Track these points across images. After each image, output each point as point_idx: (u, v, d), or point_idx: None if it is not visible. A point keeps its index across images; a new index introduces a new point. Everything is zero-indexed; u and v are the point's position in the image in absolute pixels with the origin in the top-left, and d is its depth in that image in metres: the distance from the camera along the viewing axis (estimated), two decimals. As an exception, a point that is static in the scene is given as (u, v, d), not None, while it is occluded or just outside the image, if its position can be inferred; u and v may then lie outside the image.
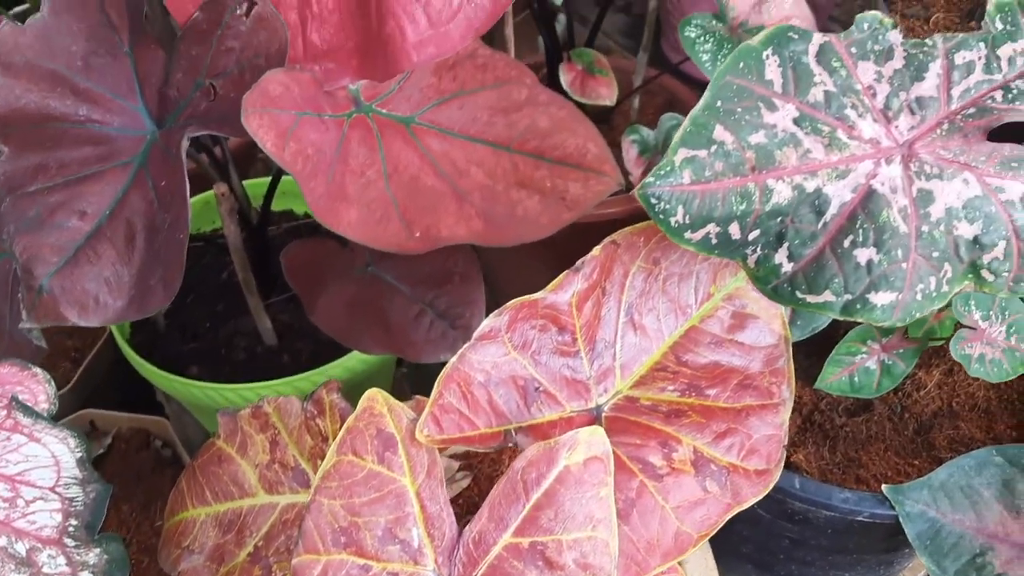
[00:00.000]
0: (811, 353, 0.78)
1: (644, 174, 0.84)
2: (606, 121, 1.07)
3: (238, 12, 0.63)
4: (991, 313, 0.69)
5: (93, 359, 1.02)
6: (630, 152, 0.85)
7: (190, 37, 0.64)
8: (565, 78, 0.92)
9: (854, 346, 0.72)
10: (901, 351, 0.72)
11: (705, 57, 0.83)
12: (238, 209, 0.83)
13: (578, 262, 0.59)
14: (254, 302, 0.84)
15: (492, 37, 0.94)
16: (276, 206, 0.99)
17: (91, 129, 0.66)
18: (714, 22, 0.85)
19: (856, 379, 0.72)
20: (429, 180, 0.69)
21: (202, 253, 0.98)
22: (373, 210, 0.67)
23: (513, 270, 1.06)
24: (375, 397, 0.51)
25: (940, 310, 0.73)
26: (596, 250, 0.59)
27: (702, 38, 0.83)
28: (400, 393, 0.58)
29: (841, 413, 0.77)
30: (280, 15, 0.63)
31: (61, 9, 0.67)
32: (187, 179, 0.60)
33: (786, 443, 0.58)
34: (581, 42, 1.05)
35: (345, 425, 0.50)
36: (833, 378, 0.72)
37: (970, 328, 0.68)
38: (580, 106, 0.95)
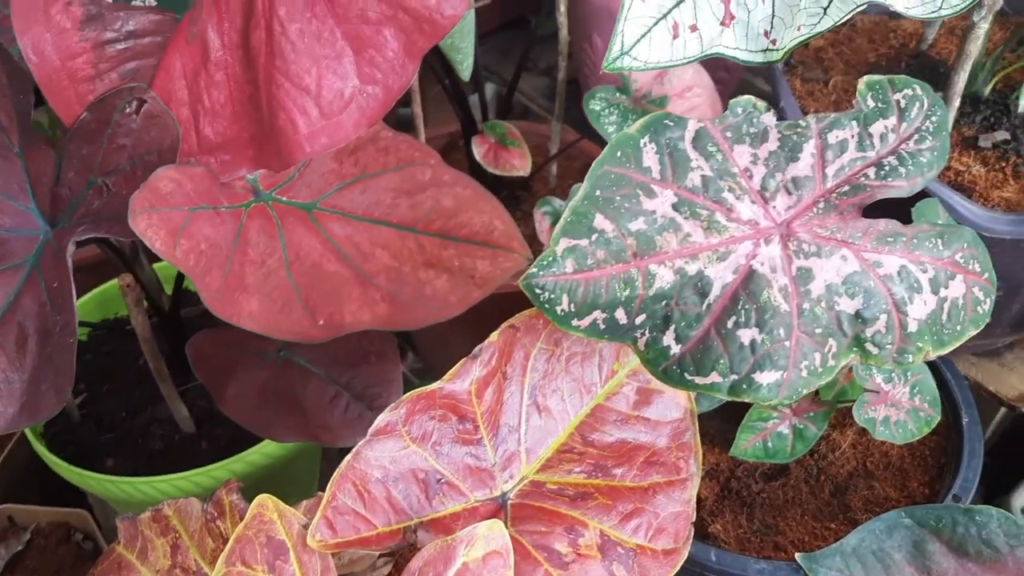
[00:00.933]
0: (729, 417, 0.79)
1: (557, 245, 0.84)
2: (526, 187, 1.08)
3: (128, 111, 0.62)
4: (893, 375, 0.70)
5: (9, 453, 0.99)
6: (543, 223, 0.85)
7: (80, 137, 0.63)
8: (478, 151, 0.93)
9: (765, 412, 0.73)
10: (812, 414, 0.73)
11: (611, 129, 0.85)
12: (147, 296, 0.82)
13: (476, 349, 0.59)
14: (168, 390, 0.83)
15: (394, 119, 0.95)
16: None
17: (-19, 231, 0.64)
18: (618, 94, 0.86)
19: (770, 444, 0.73)
20: (332, 266, 0.69)
21: (118, 338, 0.97)
22: (275, 299, 0.66)
23: (440, 341, 1.06)
24: (265, 503, 0.50)
25: (849, 371, 0.74)
26: (494, 335, 0.59)
27: (607, 111, 0.85)
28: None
29: (758, 478, 0.77)
30: (171, 111, 0.63)
31: (-50, 111, 0.66)
32: (72, 282, 0.59)
33: (694, 519, 0.58)
34: (507, 105, 1.07)
35: (234, 534, 0.49)
36: (747, 444, 0.73)
37: (873, 392, 0.69)
38: (497, 177, 0.97)
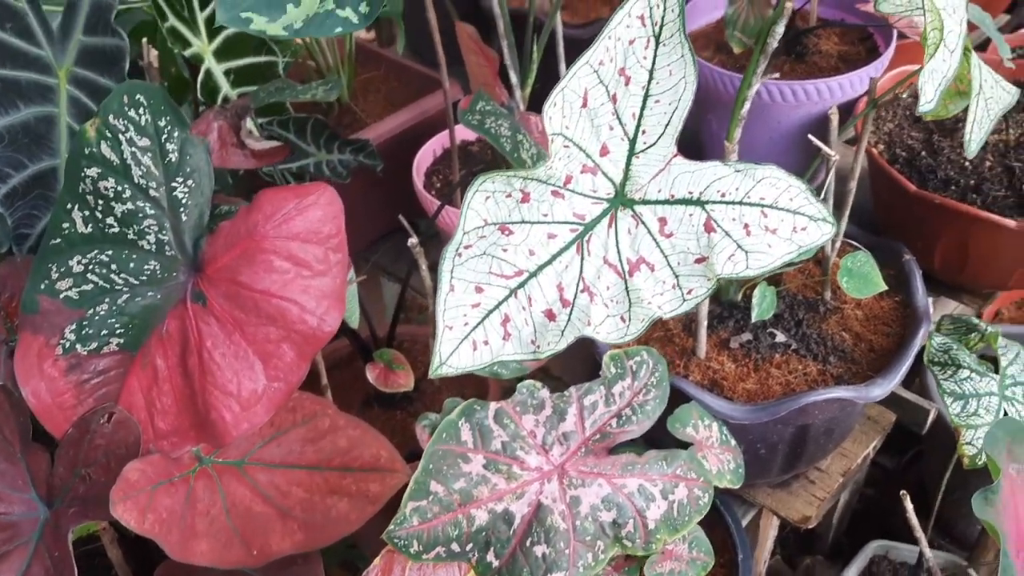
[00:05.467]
0: None
1: (435, 450, 1.10)
2: (417, 388, 1.34)
3: (101, 421, 0.87)
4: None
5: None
6: (423, 435, 1.11)
7: (67, 444, 0.87)
8: (371, 374, 1.19)
9: None
10: (627, 569, 0.99)
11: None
12: (120, 532, 1.05)
13: (365, 571, 0.84)
14: (139, 605, 1.05)
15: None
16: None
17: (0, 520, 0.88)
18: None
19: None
20: (259, 507, 0.93)
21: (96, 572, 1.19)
22: (219, 540, 0.90)
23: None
24: None
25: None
26: (377, 559, 0.84)
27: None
28: None
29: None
30: (133, 417, 0.88)
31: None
32: (71, 551, 0.82)
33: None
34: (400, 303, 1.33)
35: None
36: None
37: (659, 552, 0.95)
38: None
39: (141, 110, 0.86)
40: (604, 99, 0.78)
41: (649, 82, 0.78)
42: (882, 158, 1.25)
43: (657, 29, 0.77)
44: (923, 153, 1.25)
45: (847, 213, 1.13)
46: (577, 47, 1.49)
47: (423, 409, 1.29)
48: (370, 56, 1.70)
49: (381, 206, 1.64)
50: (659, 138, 0.78)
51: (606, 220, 0.81)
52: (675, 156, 0.78)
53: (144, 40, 1.16)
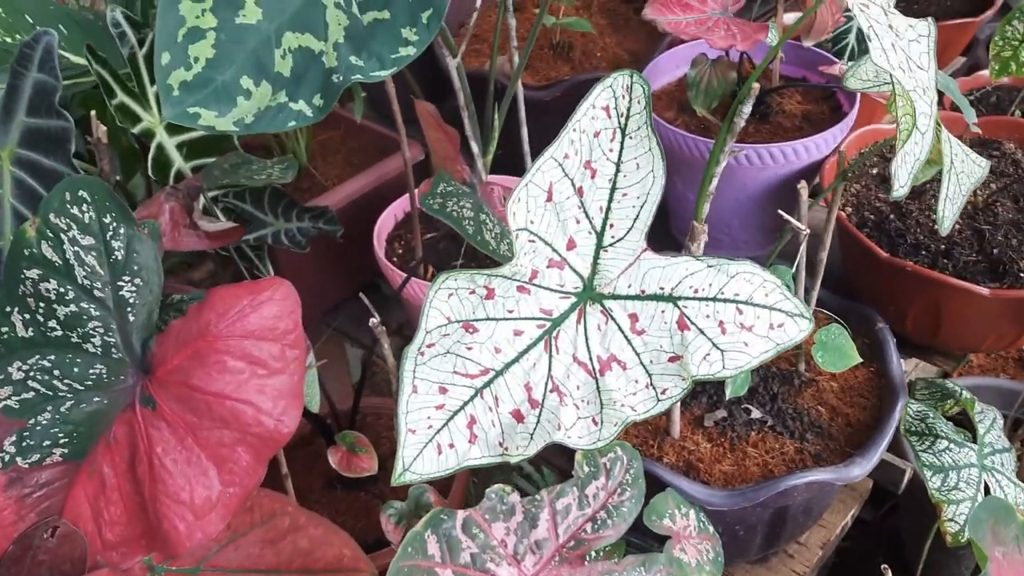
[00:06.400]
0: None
1: (401, 539, 1.06)
2: (383, 467, 1.29)
3: (45, 536, 0.82)
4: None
5: None
6: (388, 524, 1.06)
7: (8, 562, 0.82)
8: (333, 459, 1.14)
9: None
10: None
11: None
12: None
13: None
14: None
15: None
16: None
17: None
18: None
19: None
20: (217, 618, 0.88)
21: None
22: (174, 656, 0.85)
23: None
24: None
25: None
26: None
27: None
28: None
29: None
30: (79, 529, 0.83)
31: None
32: None
33: None
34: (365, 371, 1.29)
35: None
36: None
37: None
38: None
39: (85, 207, 0.81)
40: (570, 192, 0.75)
41: (616, 175, 0.75)
42: (850, 222, 1.23)
43: (623, 121, 0.75)
44: (892, 216, 1.24)
45: (819, 282, 1.11)
46: (538, 108, 1.48)
47: (389, 489, 1.25)
48: (328, 116, 1.67)
49: (342, 269, 1.60)
50: (627, 232, 0.75)
51: (575, 315, 0.77)
52: (645, 251, 0.76)
53: (92, 113, 1.12)
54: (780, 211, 0.98)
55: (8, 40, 1.24)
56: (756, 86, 0.85)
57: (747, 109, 0.86)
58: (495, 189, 1.10)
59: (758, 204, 1.35)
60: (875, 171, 1.34)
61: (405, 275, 1.28)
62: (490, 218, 1.00)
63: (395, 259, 1.40)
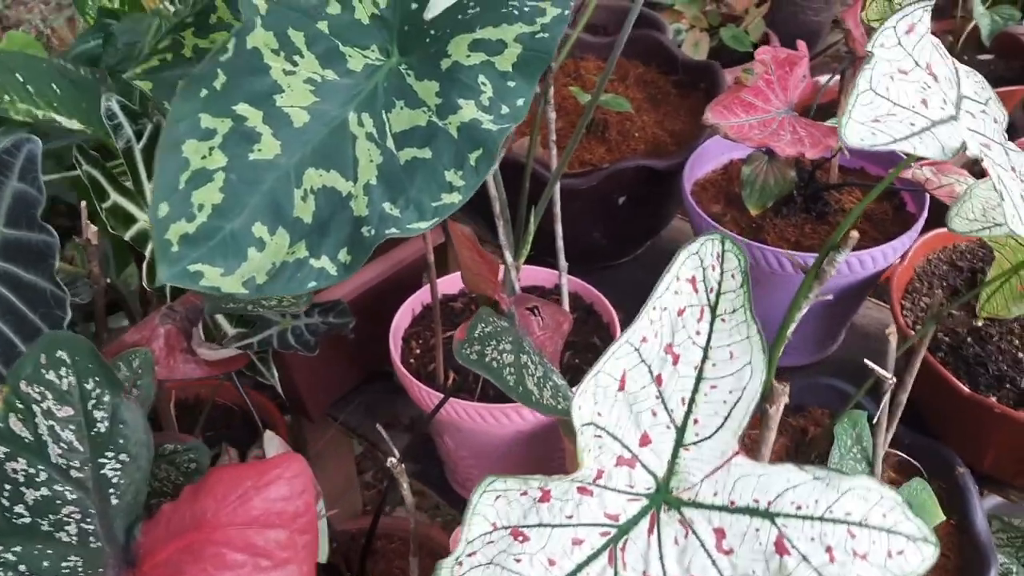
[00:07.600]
0: None
1: None
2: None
3: None
4: None
5: None
6: None
7: None
8: (342, 609, 1.02)
9: None
10: None
11: None
12: None
13: None
14: None
15: None
16: None
17: None
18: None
19: None
20: None
21: None
22: None
23: None
24: None
25: None
26: None
27: None
28: None
29: None
30: None
31: None
32: None
33: None
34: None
35: None
36: None
37: None
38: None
39: (64, 371, 0.68)
40: (647, 381, 0.63)
41: (703, 362, 0.62)
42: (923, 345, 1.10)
43: (714, 298, 0.62)
44: (969, 340, 1.11)
45: (896, 424, 0.99)
46: (570, 196, 1.35)
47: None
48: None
49: (350, 358, 1.47)
50: (716, 431, 0.63)
51: (645, 521, 0.64)
52: (736, 454, 0.63)
53: (83, 204, 0.99)
54: (867, 360, 0.86)
55: (-1, 101, 1.12)
56: (854, 234, 0.73)
57: (841, 257, 0.75)
58: (531, 312, 0.97)
59: (812, 312, 1.22)
60: (944, 281, 1.22)
61: (422, 385, 1.15)
62: (531, 358, 0.87)
63: (412, 361, 1.27)
